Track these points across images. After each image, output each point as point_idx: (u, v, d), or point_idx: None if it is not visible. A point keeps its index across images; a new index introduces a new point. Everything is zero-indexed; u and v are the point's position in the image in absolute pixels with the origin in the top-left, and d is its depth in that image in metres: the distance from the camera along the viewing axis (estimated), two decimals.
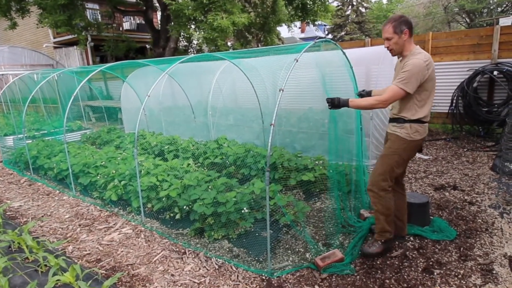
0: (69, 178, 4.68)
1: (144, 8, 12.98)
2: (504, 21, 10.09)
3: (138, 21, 18.17)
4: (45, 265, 2.83)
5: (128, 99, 7.67)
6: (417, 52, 2.49)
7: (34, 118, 9.64)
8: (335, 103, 2.65)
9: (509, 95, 5.54)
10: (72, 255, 3.16)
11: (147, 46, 17.54)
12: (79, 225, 3.78)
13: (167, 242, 3.28)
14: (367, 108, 2.60)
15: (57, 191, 4.88)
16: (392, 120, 2.71)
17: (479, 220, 3.29)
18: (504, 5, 22.00)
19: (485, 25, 19.30)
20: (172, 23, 10.71)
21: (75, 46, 14.03)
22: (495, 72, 5.70)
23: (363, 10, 30.23)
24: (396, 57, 2.71)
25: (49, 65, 15.52)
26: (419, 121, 2.55)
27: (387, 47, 2.58)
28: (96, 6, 16.48)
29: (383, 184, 2.66)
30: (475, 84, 5.83)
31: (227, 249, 3.05)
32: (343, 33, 29.84)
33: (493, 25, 9.53)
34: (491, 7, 22.44)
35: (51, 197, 4.70)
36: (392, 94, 2.45)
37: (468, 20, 23.85)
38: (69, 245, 3.33)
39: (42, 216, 4.07)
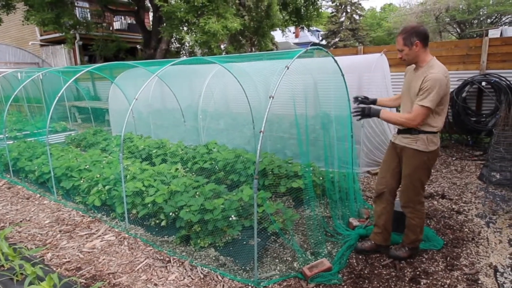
0: (50, 181, 4.52)
1: (136, 8, 12.84)
2: (493, 33, 10.32)
3: (129, 21, 17.96)
4: (21, 274, 2.70)
5: (116, 100, 7.52)
6: (435, 65, 2.42)
7: (17, 118, 9.37)
8: (365, 112, 2.56)
9: (496, 106, 5.63)
10: (51, 262, 3.03)
11: (138, 46, 17.34)
12: (60, 231, 3.64)
13: (151, 250, 3.18)
14: (395, 124, 2.55)
15: (38, 195, 4.72)
16: (402, 131, 2.63)
17: (466, 230, 3.30)
18: (494, 17, 22.63)
19: (475, 36, 19.79)
20: (164, 25, 10.61)
21: (62, 45, 13.75)
22: (484, 83, 5.78)
23: (357, 17, 30.68)
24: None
25: (35, 63, 15.14)
26: (433, 132, 2.52)
27: (400, 58, 2.54)
28: (86, 5, 16.22)
29: (419, 198, 2.69)
30: (464, 94, 5.90)
31: (213, 258, 2.98)
32: (337, 39, 30.19)
33: (482, 36, 9.74)
34: (481, 18, 23.04)
35: (31, 201, 4.54)
36: (417, 113, 2.39)
37: (458, 30, 24.43)
38: (48, 252, 3.20)
39: (21, 221, 3.92)
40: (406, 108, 2.62)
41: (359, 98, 2.92)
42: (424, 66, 2.47)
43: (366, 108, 2.57)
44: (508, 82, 5.56)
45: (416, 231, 2.76)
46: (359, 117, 2.62)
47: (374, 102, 2.92)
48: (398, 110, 2.91)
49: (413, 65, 2.60)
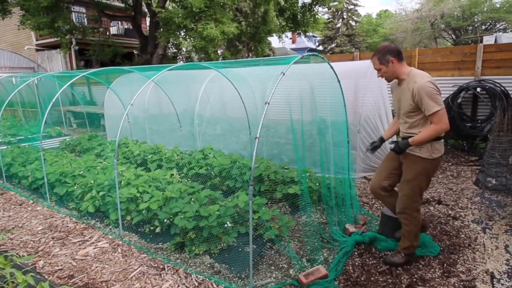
0: (44, 187, 4.47)
1: (133, 13, 12.86)
2: (487, 39, 10.46)
3: (126, 26, 17.96)
4: (12, 282, 2.64)
5: (112, 105, 7.48)
6: (415, 75, 2.51)
7: (11, 122, 9.28)
8: (397, 151, 2.63)
9: (491, 112, 5.66)
10: (43, 270, 2.97)
11: (135, 52, 17.33)
12: (52, 238, 3.59)
13: (145, 257, 3.14)
14: (429, 140, 2.55)
15: (31, 201, 4.65)
16: (405, 139, 2.66)
17: (462, 235, 3.29)
18: (488, 24, 22.96)
19: (470, 42, 20.03)
20: (161, 30, 10.62)
21: (58, 49, 13.69)
22: (478, 89, 5.83)
23: (353, 23, 30.98)
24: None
25: (30, 68, 15.04)
26: (436, 138, 2.54)
27: (380, 76, 2.65)
28: (83, 10, 16.21)
29: (416, 205, 2.70)
30: (459, 100, 5.94)
31: (208, 265, 2.94)
32: (333, 45, 30.42)
33: (477, 42, 9.84)
34: (476, 25, 23.36)
35: (24, 207, 4.47)
36: (437, 120, 2.43)
37: (454, 36, 24.74)
38: (40, 260, 3.14)
39: (13, 228, 3.85)
40: (403, 121, 2.70)
41: (369, 148, 2.95)
42: (406, 78, 2.57)
43: (396, 147, 2.62)
44: (502, 88, 5.60)
45: (410, 238, 2.76)
46: (396, 155, 2.70)
47: (382, 139, 2.93)
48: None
49: (396, 80, 2.69)
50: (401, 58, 2.55)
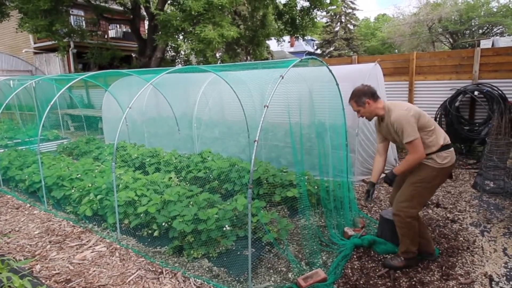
0: (41, 191, 4.44)
1: (131, 16, 12.88)
2: (484, 43, 10.53)
3: (124, 29, 17.99)
4: (9, 286, 2.62)
5: (110, 108, 7.48)
6: (391, 107, 2.68)
7: (8, 125, 9.24)
8: (388, 182, 2.79)
9: (489, 115, 5.69)
10: (40, 274, 2.95)
11: (133, 55, 17.32)
12: (50, 241, 3.56)
13: (143, 261, 3.12)
14: (411, 167, 2.66)
15: (28, 205, 4.63)
16: None
17: (460, 238, 3.29)
18: (485, 28, 23.16)
19: (467, 46, 20.18)
20: (159, 33, 10.63)
21: (56, 52, 13.71)
22: (476, 92, 5.85)
23: (351, 27, 31.12)
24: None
25: (28, 71, 15.02)
26: (442, 148, 2.58)
27: (360, 116, 2.83)
28: (81, 13, 16.23)
29: (412, 211, 2.70)
30: (457, 103, 5.96)
31: (207, 269, 2.93)
32: (331, 48, 30.53)
33: (474, 46, 9.91)
34: (473, 29, 23.56)
35: (21, 211, 4.45)
36: (412, 149, 2.55)
37: (451, 40, 24.92)
38: (37, 264, 3.12)
39: (10, 232, 3.82)
40: (406, 150, 2.77)
41: (368, 199, 3.03)
42: (385, 113, 2.73)
43: (386, 178, 2.78)
44: (500, 92, 5.63)
45: (406, 242, 2.75)
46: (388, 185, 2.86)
47: (373, 184, 2.98)
48: (399, 147, 3.01)
49: (375, 118, 2.84)
50: (376, 98, 2.71)
